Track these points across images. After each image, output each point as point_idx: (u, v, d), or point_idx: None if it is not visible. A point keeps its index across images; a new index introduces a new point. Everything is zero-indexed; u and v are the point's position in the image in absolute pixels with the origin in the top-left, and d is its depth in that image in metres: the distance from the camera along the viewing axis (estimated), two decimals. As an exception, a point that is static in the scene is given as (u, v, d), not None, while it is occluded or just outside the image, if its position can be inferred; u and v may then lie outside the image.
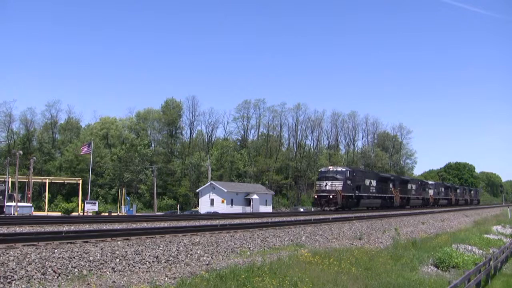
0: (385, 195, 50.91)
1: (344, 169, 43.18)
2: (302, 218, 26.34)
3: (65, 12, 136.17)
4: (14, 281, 8.63)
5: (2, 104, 77.70)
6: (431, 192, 68.14)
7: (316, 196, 42.11)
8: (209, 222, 20.54)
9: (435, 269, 18.02)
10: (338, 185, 40.76)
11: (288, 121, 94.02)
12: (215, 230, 17.13)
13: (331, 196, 40.26)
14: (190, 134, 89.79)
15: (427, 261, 18.61)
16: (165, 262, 11.84)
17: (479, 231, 31.97)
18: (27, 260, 9.64)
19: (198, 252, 13.35)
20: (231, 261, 12.77)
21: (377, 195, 48.74)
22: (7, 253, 9.87)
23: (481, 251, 23.60)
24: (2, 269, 8.94)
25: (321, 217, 27.91)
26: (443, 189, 76.28)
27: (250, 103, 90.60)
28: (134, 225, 18.13)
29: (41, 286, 8.69)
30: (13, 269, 9.06)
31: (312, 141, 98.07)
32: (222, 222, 19.99)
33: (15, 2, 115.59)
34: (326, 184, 41.20)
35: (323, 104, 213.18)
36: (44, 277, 9.16)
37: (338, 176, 41.59)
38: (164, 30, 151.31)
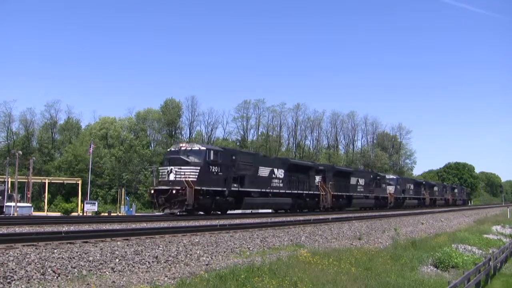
0: (302, 191, 35.79)
1: (203, 148, 27.31)
2: (301, 218, 26.38)
3: (65, 12, 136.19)
4: (13, 281, 8.63)
5: (2, 104, 77.48)
6: (391, 189, 54.01)
7: (152, 191, 26.09)
8: (208, 222, 20.54)
9: (435, 269, 18.03)
10: (189, 173, 25.27)
11: (288, 121, 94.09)
12: (215, 230, 17.14)
13: (174, 192, 24.68)
14: (190, 134, 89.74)
15: (427, 261, 18.63)
16: (165, 262, 11.84)
17: (478, 231, 31.97)
18: (26, 260, 9.64)
19: (198, 252, 13.35)
20: (230, 261, 12.77)
21: (285, 191, 33.36)
22: (7, 253, 9.87)
23: (480, 251, 23.62)
24: (2, 269, 8.94)
25: (321, 217, 27.95)
26: (411, 186, 61.98)
27: (250, 103, 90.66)
28: (133, 225, 18.13)
29: (40, 286, 8.69)
30: (12, 269, 9.06)
31: (311, 141, 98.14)
32: (221, 222, 19.99)
33: (15, 1, 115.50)
34: (170, 172, 25.52)
35: (322, 104, 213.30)
36: (43, 277, 9.16)
37: (191, 159, 25.93)
38: (164, 30, 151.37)
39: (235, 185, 28.57)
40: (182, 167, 25.53)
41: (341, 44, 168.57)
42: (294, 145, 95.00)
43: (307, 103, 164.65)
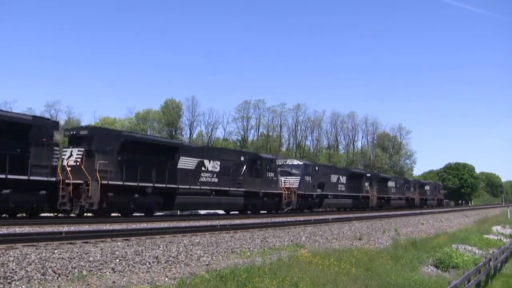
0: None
1: None
2: (301, 218, 26.41)
3: (65, 12, 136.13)
4: (14, 282, 8.63)
5: (2, 104, 77.51)
6: (292, 181, 34.04)
7: None
8: (209, 223, 20.55)
9: (435, 269, 18.05)
10: None
11: (288, 121, 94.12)
12: (215, 230, 17.14)
13: None
14: (190, 134, 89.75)
15: (427, 261, 18.64)
16: (165, 263, 11.84)
17: (479, 231, 32.00)
18: (27, 260, 9.64)
19: (198, 252, 13.35)
20: (231, 262, 12.77)
21: None
22: (7, 254, 9.87)
23: (481, 251, 23.64)
24: (2, 269, 8.94)
25: (321, 217, 28.00)
26: (342, 179, 41.62)
27: (250, 104, 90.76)
28: (134, 226, 18.12)
29: (41, 287, 8.69)
30: (13, 269, 9.06)
31: (311, 142, 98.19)
32: (222, 222, 20.00)
33: (15, 1, 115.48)
34: None
35: (322, 104, 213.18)
36: (44, 277, 9.16)
37: None
38: (164, 30, 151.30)
39: None
40: None
41: (341, 44, 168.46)
42: (295, 145, 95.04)
43: (307, 103, 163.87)
